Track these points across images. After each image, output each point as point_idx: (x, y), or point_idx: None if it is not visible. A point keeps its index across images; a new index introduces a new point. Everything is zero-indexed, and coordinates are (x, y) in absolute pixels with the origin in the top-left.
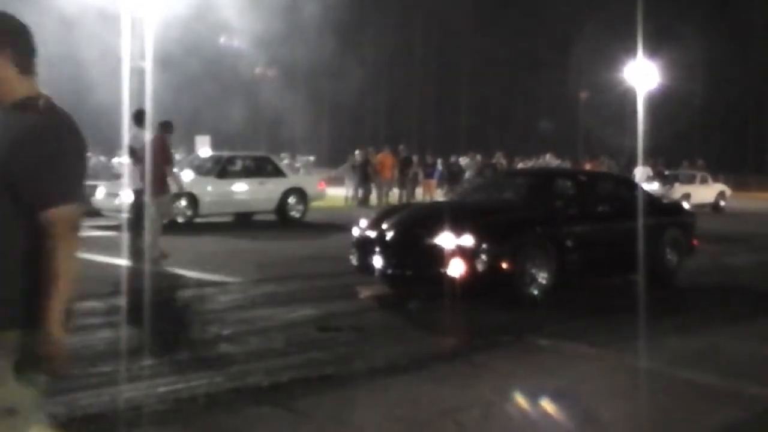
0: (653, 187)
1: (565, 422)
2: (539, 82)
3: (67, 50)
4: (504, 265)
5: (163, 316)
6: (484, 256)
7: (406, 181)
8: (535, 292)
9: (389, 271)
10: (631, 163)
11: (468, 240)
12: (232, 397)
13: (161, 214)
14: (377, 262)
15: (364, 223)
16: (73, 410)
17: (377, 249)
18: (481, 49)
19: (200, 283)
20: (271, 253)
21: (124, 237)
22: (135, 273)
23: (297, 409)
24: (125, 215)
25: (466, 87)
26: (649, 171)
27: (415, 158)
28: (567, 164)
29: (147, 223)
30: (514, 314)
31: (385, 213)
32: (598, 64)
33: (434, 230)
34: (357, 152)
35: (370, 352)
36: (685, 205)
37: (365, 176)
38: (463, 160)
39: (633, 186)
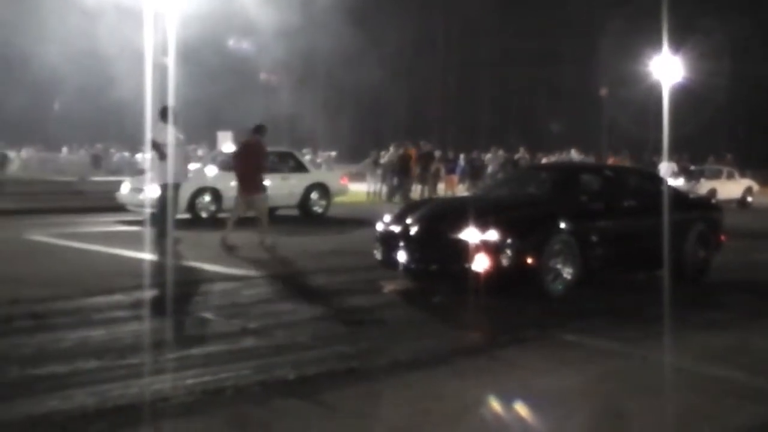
0: (678, 182)
1: (590, 418)
2: (562, 76)
3: (91, 46)
4: (529, 260)
5: (188, 309)
6: (508, 251)
7: (428, 177)
8: (560, 288)
9: (413, 266)
10: (656, 159)
11: (493, 235)
12: (259, 389)
13: (260, 210)
14: (401, 256)
15: (388, 217)
16: (104, 401)
17: (401, 244)
18: (502, 44)
19: (225, 277)
20: (294, 247)
21: (146, 232)
22: (160, 267)
23: (323, 401)
24: (149, 210)
25: (488, 82)
26: (674, 166)
27: (437, 153)
28: (591, 159)
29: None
30: (539, 309)
31: (409, 208)
32: (621, 58)
33: (458, 225)
34: (391, 147)
35: (395, 346)
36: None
37: (405, 170)
38: (486, 156)
39: (659, 180)
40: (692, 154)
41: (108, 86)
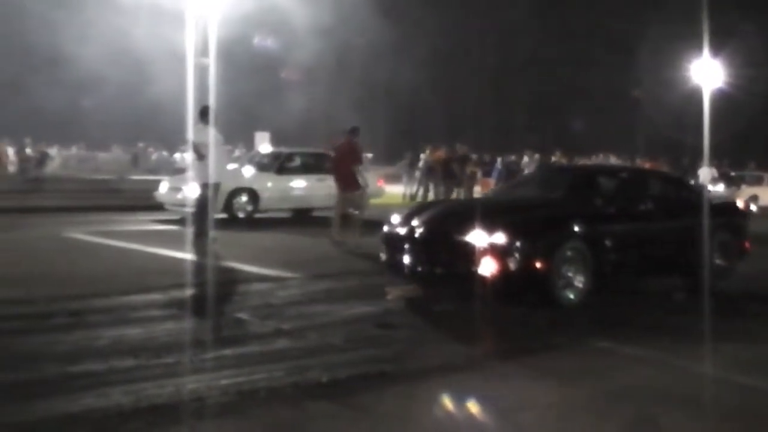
0: (718, 188)
1: (624, 426)
2: (599, 80)
3: (131, 46)
4: (538, 265)
5: (223, 309)
6: (516, 255)
7: (464, 180)
8: (571, 295)
9: (418, 269)
10: (695, 164)
11: (500, 237)
12: (292, 391)
13: (357, 207)
14: (406, 259)
15: (394, 219)
16: (139, 400)
17: (407, 246)
18: (539, 47)
19: (260, 278)
20: (329, 249)
21: (188, 231)
22: (198, 267)
23: (355, 405)
24: (188, 209)
25: (524, 84)
26: (714, 172)
27: (473, 156)
28: (627, 164)
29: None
30: (568, 315)
31: (417, 209)
32: (660, 62)
33: (465, 227)
34: (427, 150)
35: (427, 350)
36: (739, 204)
37: (449, 174)
38: (523, 159)
39: (680, 185)
40: (731, 160)
41: (147, 86)
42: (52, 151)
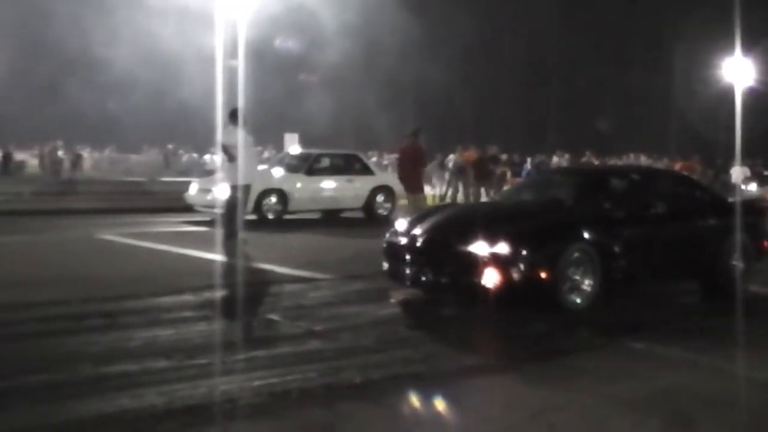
0: (751, 187)
1: (660, 427)
2: (630, 78)
3: (161, 49)
4: (543, 275)
5: (255, 310)
6: (521, 265)
7: (494, 180)
8: (578, 301)
9: (422, 279)
10: (728, 163)
11: (503, 248)
12: (325, 392)
13: (417, 209)
14: (408, 269)
15: (396, 226)
16: (173, 401)
17: (408, 256)
18: (569, 46)
19: (291, 279)
20: (359, 250)
21: (218, 232)
22: (228, 268)
23: (389, 406)
24: (218, 211)
25: (555, 84)
26: (746, 171)
27: (503, 157)
28: (659, 164)
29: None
30: (602, 316)
31: (420, 217)
32: (692, 60)
33: (468, 236)
34: (457, 151)
35: (460, 351)
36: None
37: (483, 174)
38: (553, 159)
39: (693, 185)
40: (766, 159)
41: (177, 88)
42: (85, 153)
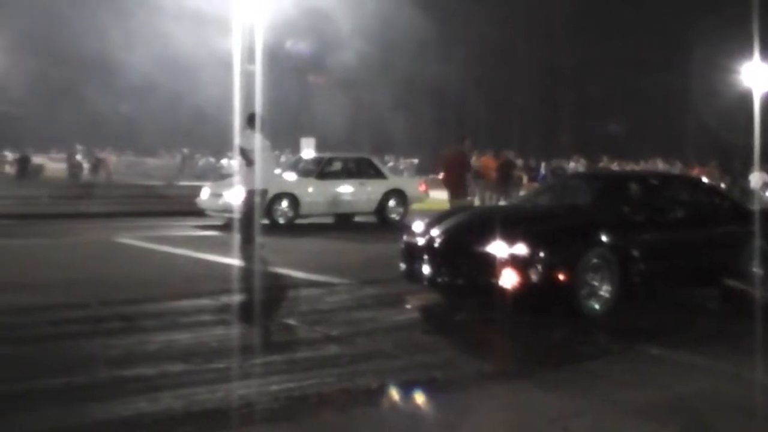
0: None
1: None
2: (647, 82)
3: (179, 54)
4: (561, 277)
5: (272, 315)
6: (539, 266)
7: (510, 185)
8: (596, 307)
9: (439, 280)
10: (746, 169)
11: (521, 248)
12: (342, 397)
13: None
14: (426, 269)
15: (415, 228)
16: (190, 405)
17: (426, 257)
18: (584, 49)
19: (307, 284)
20: (373, 254)
21: (231, 237)
22: (246, 272)
23: (406, 411)
24: (229, 215)
25: (571, 88)
26: (765, 176)
27: (519, 162)
28: (676, 169)
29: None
30: (620, 321)
31: (438, 218)
32: (710, 64)
33: (486, 237)
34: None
35: (477, 356)
36: None
37: (506, 178)
38: (569, 164)
39: (712, 191)
40: None
41: (195, 92)
42: (102, 156)
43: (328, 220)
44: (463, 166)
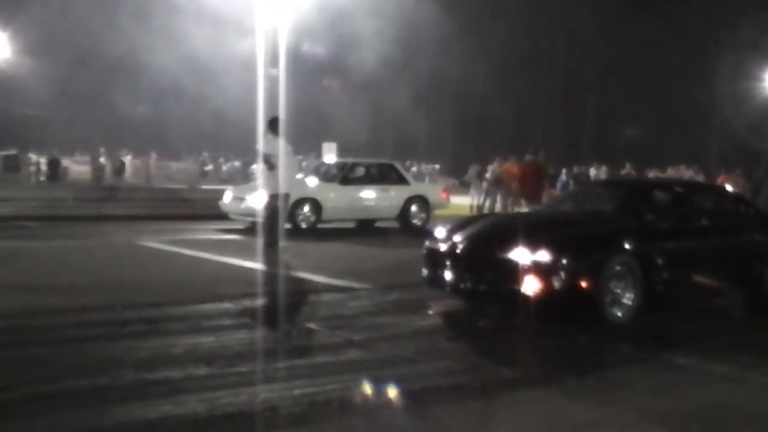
0: None
1: None
2: (671, 89)
3: (202, 58)
4: (584, 284)
5: (294, 319)
6: (561, 273)
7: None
8: (619, 314)
9: (461, 286)
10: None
11: (544, 255)
12: (365, 402)
13: None
14: (448, 275)
15: (438, 234)
16: (214, 408)
17: (449, 263)
18: (609, 56)
19: (329, 288)
20: (396, 260)
21: (254, 241)
22: (268, 276)
23: (430, 417)
24: (252, 219)
25: (596, 94)
26: None
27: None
28: (700, 177)
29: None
30: (645, 329)
31: (460, 224)
32: (735, 71)
33: (509, 243)
34: (495, 162)
35: (501, 362)
36: None
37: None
38: (592, 171)
39: (736, 199)
40: None
41: (218, 96)
42: (126, 160)
43: (351, 225)
44: (540, 175)
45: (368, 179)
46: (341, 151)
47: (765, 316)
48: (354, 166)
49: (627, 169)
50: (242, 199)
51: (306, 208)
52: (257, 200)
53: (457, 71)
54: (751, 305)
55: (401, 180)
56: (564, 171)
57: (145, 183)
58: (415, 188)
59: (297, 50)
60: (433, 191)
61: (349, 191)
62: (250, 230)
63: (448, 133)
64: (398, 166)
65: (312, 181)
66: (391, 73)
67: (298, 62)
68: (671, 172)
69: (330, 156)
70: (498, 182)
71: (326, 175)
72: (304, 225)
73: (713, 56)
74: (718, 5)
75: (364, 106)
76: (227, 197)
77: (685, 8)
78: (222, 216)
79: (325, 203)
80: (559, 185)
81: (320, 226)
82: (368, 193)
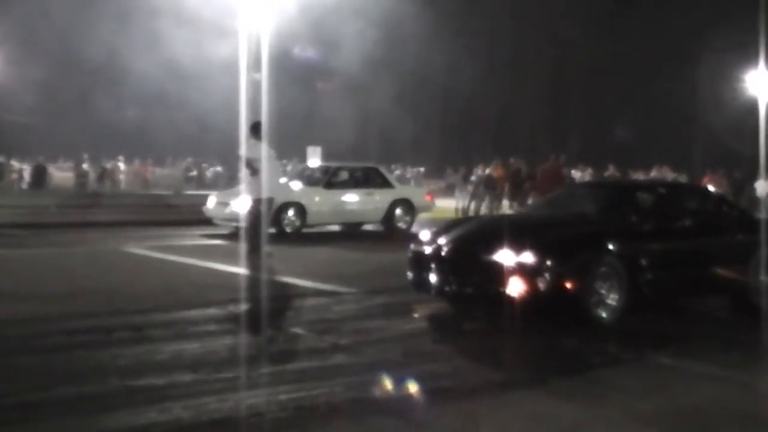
0: None
1: None
2: (655, 91)
3: (185, 62)
4: (568, 285)
5: (280, 324)
6: (546, 275)
7: (518, 194)
8: (604, 315)
9: (447, 289)
10: (753, 177)
11: (528, 257)
12: (352, 406)
13: None
14: (434, 278)
15: (423, 236)
16: (200, 414)
17: (434, 265)
18: (593, 58)
19: (315, 293)
20: (381, 264)
21: (239, 246)
22: (253, 281)
23: (417, 420)
24: (236, 224)
25: (579, 97)
26: None
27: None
28: (684, 178)
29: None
30: (630, 330)
31: (446, 227)
32: (717, 72)
33: (494, 246)
34: (480, 165)
35: (487, 365)
36: None
37: (517, 187)
38: (577, 174)
39: (720, 200)
40: None
41: (201, 101)
42: (113, 164)
43: (336, 228)
44: (559, 178)
45: (353, 183)
46: (326, 155)
47: (748, 315)
48: (338, 170)
49: (610, 171)
50: (226, 204)
51: (291, 213)
52: (241, 205)
53: (443, 74)
54: (734, 305)
55: (385, 183)
56: None
57: (143, 189)
58: (399, 191)
59: (280, 54)
60: (418, 194)
61: (333, 195)
62: (234, 235)
63: (433, 136)
64: (382, 169)
65: (296, 186)
66: (376, 76)
67: (281, 66)
68: (655, 174)
69: (314, 160)
70: (488, 186)
71: (311, 179)
72: (289, 229)
73: (696, 58)
74: (702, 7)
75: (349, 110)
76: (211, 202)
77: (670, 9)
78: (207, 221)
79: (310, 207)
80: None
81: (305, 230)
82: (353, 197)
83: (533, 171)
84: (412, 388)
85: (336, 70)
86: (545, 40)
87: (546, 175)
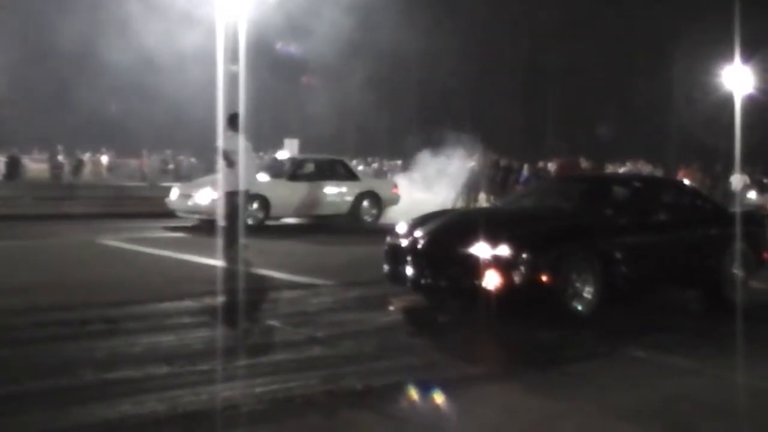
0: (751, 195)
1: None
2: (630, 85)
3: (161, 53)
4: (544, 278)
5: (256, 317)
6: (522, 268)
7: (496, 187)
8: (579, 308)
9: (423, 282)
10: (727, 171)
11: (504, 250)
12: (327, 399)
13: None
14: (409, 271)
15: (399, 229)
16: (174, 407)
17: (410, 258)
18: (569, 54)
19: (291, 285)
20: (354, 256)
21: (212, 238)
22: (229, 274)
23: (392, 414)
24: (199, 216)
25: (555, 90)
26: (746, 179)
27: (502, 163)
28: (659, 172)
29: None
30: (605, 324)
31: (421, 220)
32: (692, 68)
33: (470, 239)
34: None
35: (462, 358)
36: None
37: (503, 181)
38: (552, 166)
39: (694, 194)
40: (766, 167)
41: (177, 93)
42: (85, 158)
43: (302, 221)
44: (576, 171)
45: (318, 175)
46: (303, 148)
47: (722, 308)
48: (303, 162)
49: (586, 164)
50: (189, 197)
51: (254, 205)
52: (204, 197)
53: (422, 67)
54: (709, 298)
55: (351, 176)
56: (526, 166)
57: (97, 180)
58: (365, 184)
59: (258, 45)
60: (385, 187)
61: (297, 187)
62: (197, 228)
63: (410, 130)
64: (348, 162)
65: (261, 178)
66: (354, 69)
67: (259, 58)
68: (629, 167)
69: (284, 152)
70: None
71: (275, 171)
72: (250, 221)
73: (671, 53)
74: (678, 2)
75: (328, 102)
76: (174, 194)
77: (644, 5)
78: (167, 213)
79: (274, 199)
80: (521, 181)
81: (269, 222)
82: (317, 190)
83: (512, 164)
84: (388, 381)
85: (315, 62)
86: (521, 34)
87: (565, 170)
